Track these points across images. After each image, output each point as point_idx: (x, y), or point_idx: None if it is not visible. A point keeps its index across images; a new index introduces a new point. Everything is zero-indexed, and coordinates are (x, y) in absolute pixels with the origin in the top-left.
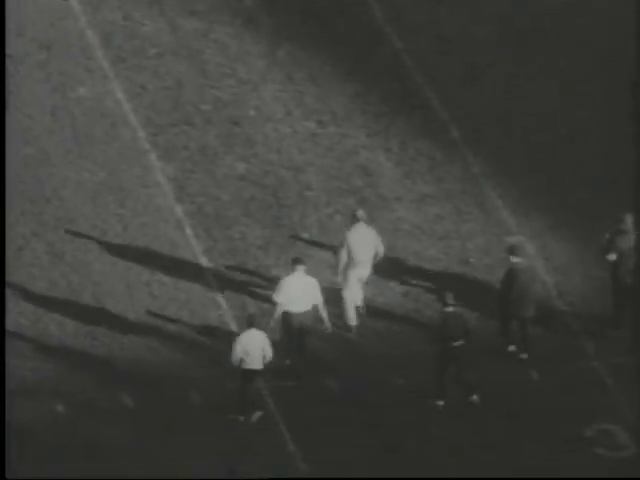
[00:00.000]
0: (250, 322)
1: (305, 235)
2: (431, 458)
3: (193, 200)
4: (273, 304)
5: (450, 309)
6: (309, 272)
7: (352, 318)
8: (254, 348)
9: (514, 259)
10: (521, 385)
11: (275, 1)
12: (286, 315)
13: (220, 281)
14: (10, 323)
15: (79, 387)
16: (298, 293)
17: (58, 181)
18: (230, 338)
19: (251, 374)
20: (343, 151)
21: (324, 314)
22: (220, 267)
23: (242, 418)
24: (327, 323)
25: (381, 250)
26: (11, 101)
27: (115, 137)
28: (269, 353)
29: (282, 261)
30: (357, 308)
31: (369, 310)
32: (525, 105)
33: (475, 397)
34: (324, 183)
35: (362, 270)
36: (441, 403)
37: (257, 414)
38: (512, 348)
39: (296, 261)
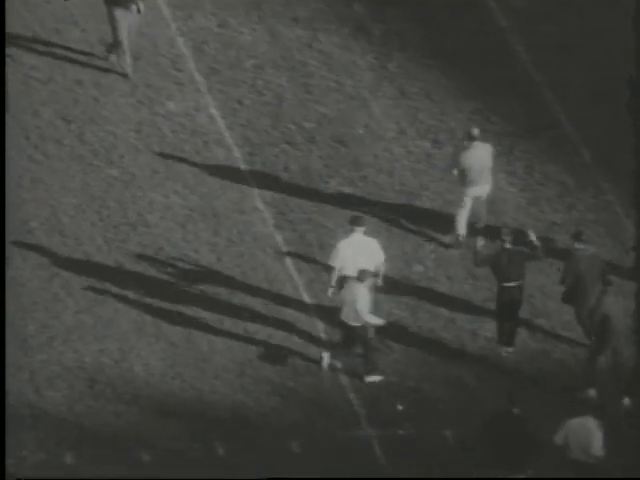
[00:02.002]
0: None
1: (419, 268)
2: None
3: (294, 228)
4: (328, 269)
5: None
6: None
7: None
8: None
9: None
10: None
11: (386, 7)
12: (343, 279)
13: (323, 318)
14: (92, 362)
15: (166, 434)
16: (358, 256)
17: (144, 205)
18: (334, 381)
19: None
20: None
21: (381, 271)
22: (323, 302)
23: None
24: (380, 279)
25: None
26: (93, 116)
27: (208, 157)
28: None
29: (392, 297)
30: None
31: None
32: None
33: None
34: (440, 209)
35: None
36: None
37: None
38: None
39: (354, 221)
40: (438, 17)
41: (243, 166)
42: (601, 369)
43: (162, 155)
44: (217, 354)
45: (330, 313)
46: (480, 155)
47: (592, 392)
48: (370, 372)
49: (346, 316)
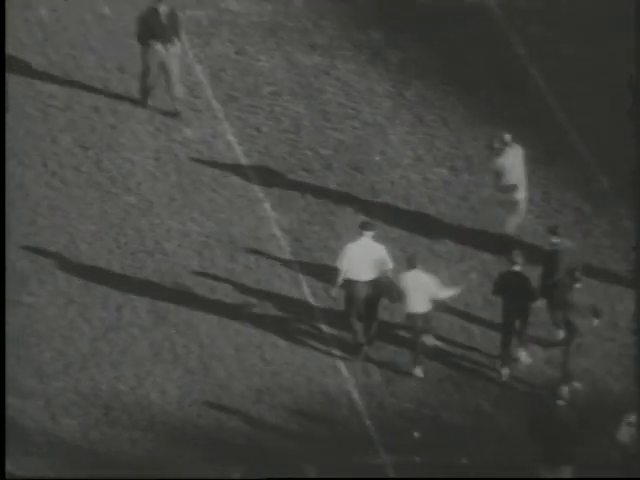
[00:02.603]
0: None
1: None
2: None
3: (311, 255)
4: (335, 271)
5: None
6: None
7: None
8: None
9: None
10: None
11: (404, 34)
12: (349, 284)
13: (340, 345)
14: (108, 389)
15: (182, 461)
16: (363, 260)
17: (161, 232)
18: (352, 408)
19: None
20: (479, 201)
21: (392, 282)
22: (340, 329)
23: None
24: (395, 293)
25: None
26: (110, 144)
27: (225, 184)
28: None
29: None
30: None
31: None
32: None
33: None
34: (457, 237)
35: None
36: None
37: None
38: None
39: (364, 226)
40: (456, 44)
41: (260, 193)
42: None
43: (179, 182)
44: (234, 381)
45: (347, 342)
46: (514, 159)
47: (570, 387)
48: (417, 365)
49: (413, 306)
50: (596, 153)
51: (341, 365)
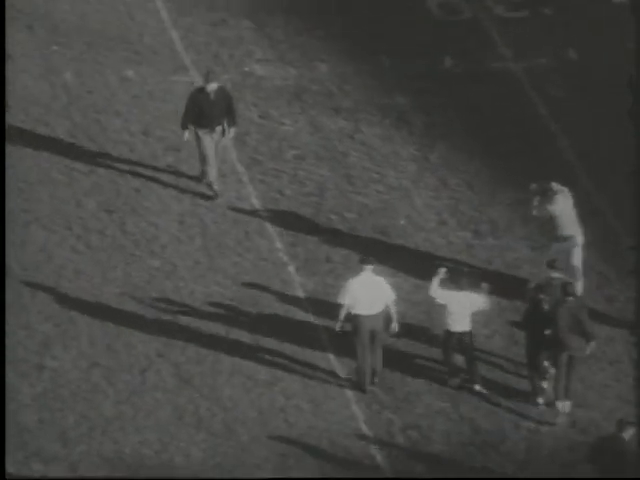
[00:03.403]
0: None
1: (460, 358)
2: None
3: (336, 318)
4: (338, 306)
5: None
6: None
7: None
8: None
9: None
10: None
11: (428, 97)
12: (353, 318)
13: (364, 408)
14: (132, 453)
15: None
16: (366, 294)
17: (185, 295)
18: (378, 472)
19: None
20: (503, 265)
21: (394, 313)
22: (366, 398)
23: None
24: (395, 323)
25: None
26: (135, 207)
27: (249, 248)
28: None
29: (433, 387)
30: None
31: None
32: None
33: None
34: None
35: None
36: None
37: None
38: None
39: (364, 261)
40: (479, 107)
41: (285, 257)
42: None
43: (204, 246)
44: (257, 444)
45: (371, 408)
46: (565, 205)
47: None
48: (476, 381)
49: (453, 325)
50: (619, 214)
51: (365, 428)
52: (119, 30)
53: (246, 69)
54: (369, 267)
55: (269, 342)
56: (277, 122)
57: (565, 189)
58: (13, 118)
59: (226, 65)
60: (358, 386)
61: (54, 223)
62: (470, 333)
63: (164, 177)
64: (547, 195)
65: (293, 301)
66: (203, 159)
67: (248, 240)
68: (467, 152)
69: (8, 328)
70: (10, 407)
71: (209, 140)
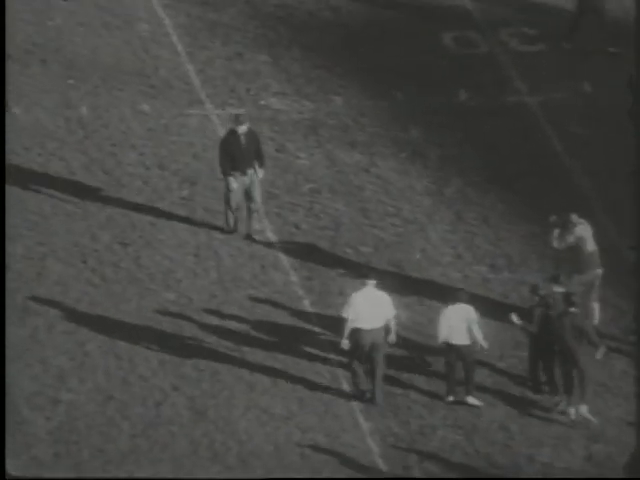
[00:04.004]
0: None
1: (477, 400)
2: None
3: None
4: (342, 321)
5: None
6: None
7: None
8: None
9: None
10: None
11: (443, 131)
12: (355, 332)
13: (379, 442)
14: None
15: None
16: (368, 308)
17: (201, 329)
18: None
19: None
20: (519, 299)
21: (392, 325)
22: (380, 427)
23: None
24: (393, 335)
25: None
26: (150, 240)
27: (265, 281)
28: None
29: (449, 421)
30: None
31: None
32: None
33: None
34: (498, 336)
35: None
36: None
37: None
38: None
39: (365, 275)
40: (495, 141)
41: (300, 290)
42: None
43: (219, 279)
44: (273, 478)
45: (386, 441)
46: (585, 235)
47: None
48: (472, 393)
49: (453, 337)
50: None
51: (380, 462)
52: (134, 64)
53: (262, 102)
54: (371, 282)
55: (285, 376)
56: (293, 156)
57: (584, 221)
58: (29, 152)
59: (242, 99)
60: (356, 397)
61: (70, 256)
62: (469, 346)
63: (179, 210)
64: (567, 227)
65: (308, 335)
66: (231, 206)
67: (264, 274)
68: (482, 186)
69: (24, 361)
70: (26, 440)
71: (240, 184)
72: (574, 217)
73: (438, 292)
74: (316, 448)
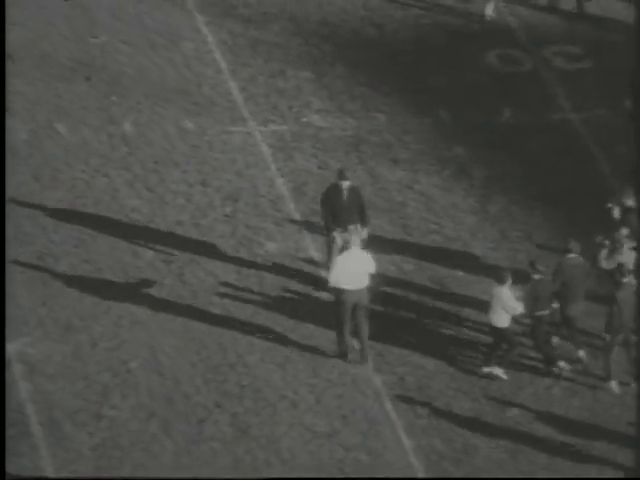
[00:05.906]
0: None
1: (515, 411)
2: None
3: (393, 370)
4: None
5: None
6: None
7: None
8: None
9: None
10: None
11: (488, 149)
12: (338, 292)
13: (423, 459)
14: None
15: None
16: (353, 269)
17: (243, 346)
18: None
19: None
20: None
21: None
22: (423, 445)
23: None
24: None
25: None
26: (193, 257)
27: (308, 298)
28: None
29: (492, 439)
30: None
31: None
32: None
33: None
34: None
35: None
36: None
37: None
38: None
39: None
40: (539, 160)
41: None
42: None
43: (262, 296)
44: None
45: (430, 459)
46: (630, 256)
47: (614, 384)
48: (502, 366)
49: (494, 320)
50: None
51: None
52: (177, 81)
53: (305, 120)
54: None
55: (327, 392)
56: (336, 172)
57: (630, 241)
58: (72, 169)
59: (285, 116)
60: (340, 356)
61: (113, 274)
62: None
63: (222, 227)
64: (615, 247)
65: (352, 352)
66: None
67: (306, 291)
68: (527, 203)
69: (67, 378)
70: (68, 456)
71: (340, 241)
72: (621, 236)
73: (480, 309)
74: (359, 466)
